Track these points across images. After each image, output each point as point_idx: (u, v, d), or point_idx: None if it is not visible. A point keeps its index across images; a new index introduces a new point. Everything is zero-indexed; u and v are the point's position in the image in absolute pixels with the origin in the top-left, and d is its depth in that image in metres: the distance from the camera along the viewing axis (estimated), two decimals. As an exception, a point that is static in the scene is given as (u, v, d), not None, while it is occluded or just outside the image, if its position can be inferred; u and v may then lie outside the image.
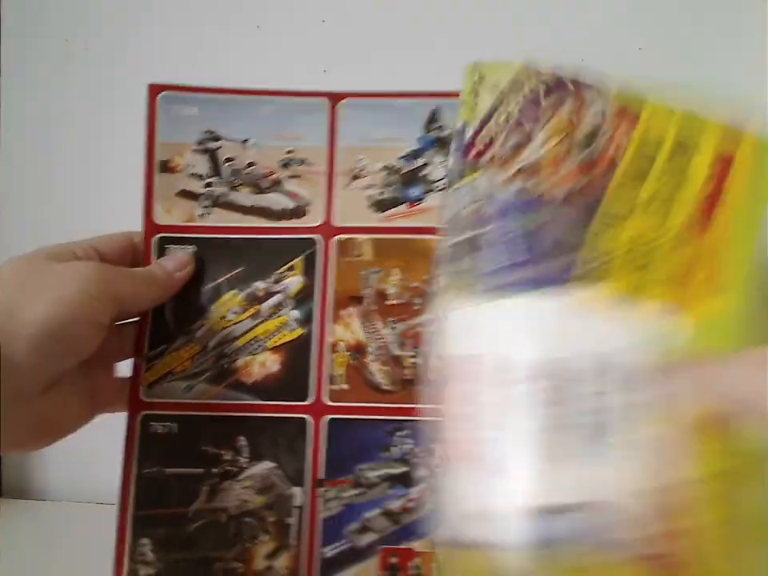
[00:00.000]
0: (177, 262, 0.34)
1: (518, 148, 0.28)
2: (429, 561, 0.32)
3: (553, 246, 0.26)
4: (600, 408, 0.24)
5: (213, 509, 0.32)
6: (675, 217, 0.26)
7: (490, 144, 0.29)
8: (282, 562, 0.32)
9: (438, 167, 0.36)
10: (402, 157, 0.36)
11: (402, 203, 0.35)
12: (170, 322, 0.34)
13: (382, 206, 0.35)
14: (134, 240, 0.35)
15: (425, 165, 0.36)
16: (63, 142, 0.61)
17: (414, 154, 0.36)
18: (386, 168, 0.36)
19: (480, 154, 0.29)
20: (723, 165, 0.26)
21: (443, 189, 0.35)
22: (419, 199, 0.35)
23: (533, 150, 0.28)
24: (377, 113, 0.35)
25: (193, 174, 0.35)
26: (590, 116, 0.28)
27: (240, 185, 0.35)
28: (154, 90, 0.35)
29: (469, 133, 0.30)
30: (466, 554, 0.25)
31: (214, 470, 0.33)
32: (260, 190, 0.35)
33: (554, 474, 0.24)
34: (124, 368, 0.35)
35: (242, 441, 0.33)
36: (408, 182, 0.36)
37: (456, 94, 0.34)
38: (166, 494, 0.32)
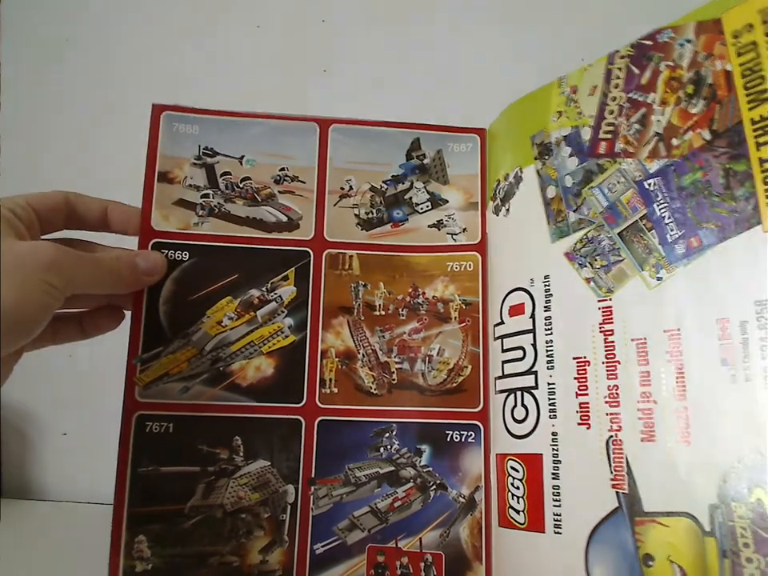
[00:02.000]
0: (151, 265, 0.34)
1: (645, 120, 0.29)
2: (416, 560, 0.33)
3: (718, 194, 0.27)
4: None
5: (209, 505, 0.33)
6: None
7: (615, 133, 0.30)
8: (275, 556, 0.32)
9: (419, 192, 0.38)
10: (386, 180, 0.38)
11: (387, 223, 0.37)
12: (164, 325, 0.34)
13: (368, 224, 0.37)
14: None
15: (408, 189, 0.38)
16: (62, 141, 0.60)
17: (397, 179, 0.38)
18: (372, 190, 0.37)
19: (610, 146, 0.31)
20: None
21: (425, 211, 0.37)
22: (402, 220, 0.37)
23: (657, 114, 0.29)
24: (363, 138, 0.37)
25: (190, 186, 0.36)
26: (679, 51, 0.29)
27: (235, 197, 0.36)
28: (158, 109, 0.36)
29: (586, 135, 0.32)
30: (670, 522, 0.26)
31: (210, 468, 0.33)
32: (254, 203, 0.36)
33: (735, 424, 0.24)
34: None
35: (238, 440, 0.33)
36: (392, 204, 0.37)
37: (436, 128, 0.38)
38: (162, 491, 0.33)
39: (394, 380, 0.35)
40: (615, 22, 0.54)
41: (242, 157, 0.37)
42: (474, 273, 0.36)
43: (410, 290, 0.36)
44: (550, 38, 0.58)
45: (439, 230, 0.37)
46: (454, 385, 0.34)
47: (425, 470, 0.34)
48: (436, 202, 0.38)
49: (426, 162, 0.38)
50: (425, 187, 0.38)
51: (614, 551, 0.27)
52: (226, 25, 0.61)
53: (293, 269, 0.36)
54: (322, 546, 0.33)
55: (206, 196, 0.36)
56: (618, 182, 0.30)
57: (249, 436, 0.34)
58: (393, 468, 0.34)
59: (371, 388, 0.35)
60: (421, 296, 0.36)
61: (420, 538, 0.33)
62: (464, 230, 0.37)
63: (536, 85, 0.35)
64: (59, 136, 0.61)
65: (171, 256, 0.35)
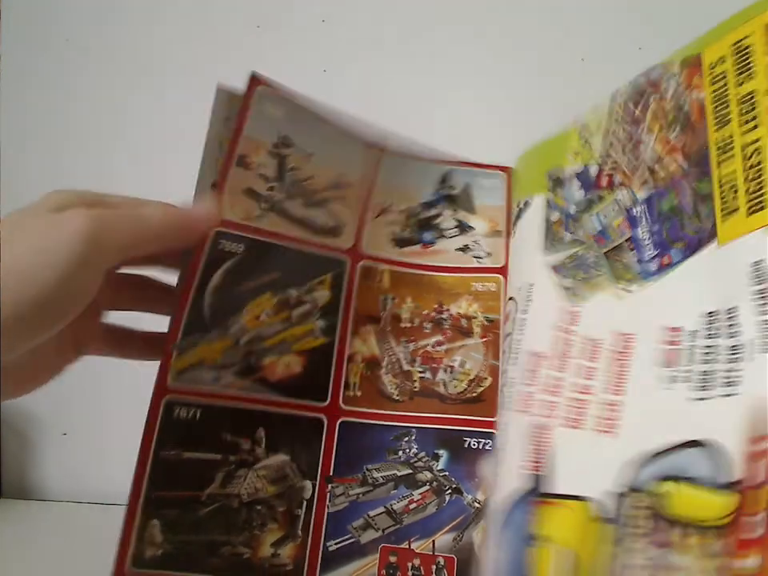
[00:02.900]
0: (204, 210, 0.31)
1: (636, 151, 0.32)
2: (428, 562, 0.33)
3: (688, 215, 0.29)
4: (710, 358, 0.25)
5: (226, 494, 0.32)
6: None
7: (616, 168, 0.33)
8: (287, 550, 0.32)
9: (447, 218, 0.40)
10: (419, 204, 0.40)
11: (417, 243, 0.40)
12: (206, 314, 0.34)
13: (400, 242, 0.39)
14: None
15: (437, 215, 0.40)
16: (63, 142, 0.61)
17: (429, 205, 0.40)
18: (406, 211, 0.40)
19: (610, 180, 0.33)
20: None
21: (452, 236, 0.40)
22: (431, 242, 0.40)
23: (645, 144, 0.32)
24: (404, 161, 0.40)
25: (261, 175, 0.35)
26: (665, 85, 0.31)
27: (297, 195, 0.37)
28: (254, 82, 0.34)
29: (594, 171, 0.34)
30: (567, 505, 0.27)
31: (232, 458, 0.33)
32: (310, 204, 0.37)
33: (695, 416, 0.25)
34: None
35: (261, 432, 0.34)
36: (423, 226, 0.40)
37: (468, 164, 0.40)
38: (182, 476, 0.32)
39: (416, 388, 0.36)
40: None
41: (311, 154, 0.37)
42: (497, 293, 0.38)
43: (436, 306, 0.38)
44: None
45: (465, 253, 0.40)
46: (474, 395, 0.36)
47: (441, 474, 0.35)
48: (463, 228, 0.40)
49: (454, 192, 0.41)
50: (453, 215, 0.40)
51: (517, 531, 0.28)
52: (225, 25, 0.62)
53: (330, 274, 0.37)
54: (335, 543, 0.33)
55: (271, 189, 0.36)
56: (613, 210, 0.33)
57: (272, 429, 0.34)
58: (410, 471, 0.35)
59: (393, 394, 0.36)
60: (445, 312, 0.38)
61: (433, 541, 0.33)
62: (489, 254, 0.39)
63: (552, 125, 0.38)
64: (59, 136, 0.62)
65: (228, 248, 0.34)
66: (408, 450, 0.35)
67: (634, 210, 0.31)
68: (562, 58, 0.60)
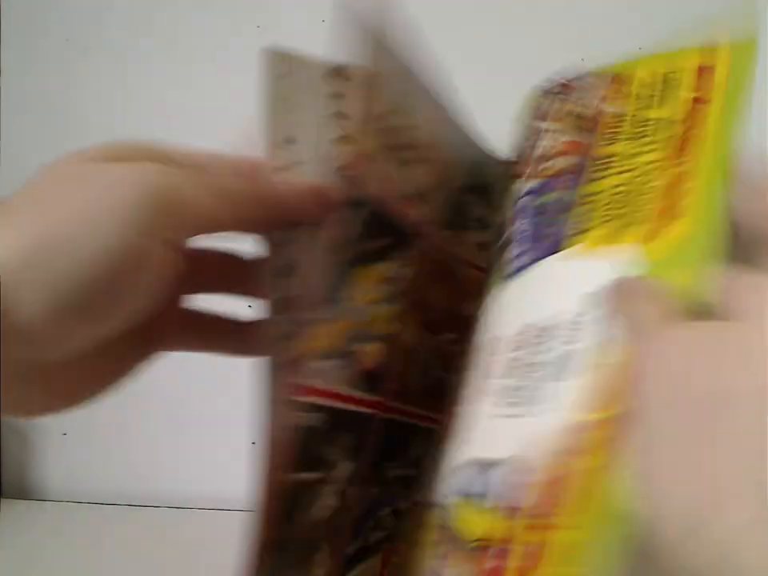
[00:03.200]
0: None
1: (533, 145, 0.31)
2: None
3: (552, 216, 0.28)
4: (545, 365, 0.23)
5: (309, 525, 0.26)
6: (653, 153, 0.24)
7: (519, 158, 0.32)
8: (319, 564, 0.28)
9: (473, 208, 0.37)
10: (459, 186, 0.36)
11: (450, 227, 0.35)
12: (322, 285, 0.26)
13: (442, 223, 0.34)
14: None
15: (467, 202, 0.37)
16: (63, 142, 0.61)
17: (464, 189, 0.36)
18: (450, 189, 0.35)
19: (515, 169, 0.32)
20: (702, 76, 0.24)
21: (474, 230, 0.37)
22: (458, 228, 0.36)
23: (542, 140, 0.31)
24: (459, 132, 0.35)
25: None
26: (576, 89, 0.30)
27: (401, 147, 0.30)
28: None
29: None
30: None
31: (327, 473, 0.27)
32: (398, 160, 0.30)
33: (490, 433, 0.25)
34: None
35: (344, 438, 0.28)
36: (456, 210, 0.35)
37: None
38: (286, 508, 0.25)
39: (426, 385, 0.36)
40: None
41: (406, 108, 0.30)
42: None
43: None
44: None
45: (479, 252, 0.39)
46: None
47: None
48: (483, 224, 0.37)
49: (479, 183, 0.37)
50: (477, 207, 0.37)
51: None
52: (225, 25, 0.62)
53: (409, 251, 0.31)
54: (353, 547, 0.31)
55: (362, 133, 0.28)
56: (510, 202, 0.32)
57: (348, 432, 0.29)
58: (415, 471, 0.35)
59: (406, 388, 0.35)
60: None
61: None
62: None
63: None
64: (59, 136, 0.60)
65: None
66: (415, 450, 0.35)
67: (521, 202, 0.30)
68: (562, 58, 0.60)
